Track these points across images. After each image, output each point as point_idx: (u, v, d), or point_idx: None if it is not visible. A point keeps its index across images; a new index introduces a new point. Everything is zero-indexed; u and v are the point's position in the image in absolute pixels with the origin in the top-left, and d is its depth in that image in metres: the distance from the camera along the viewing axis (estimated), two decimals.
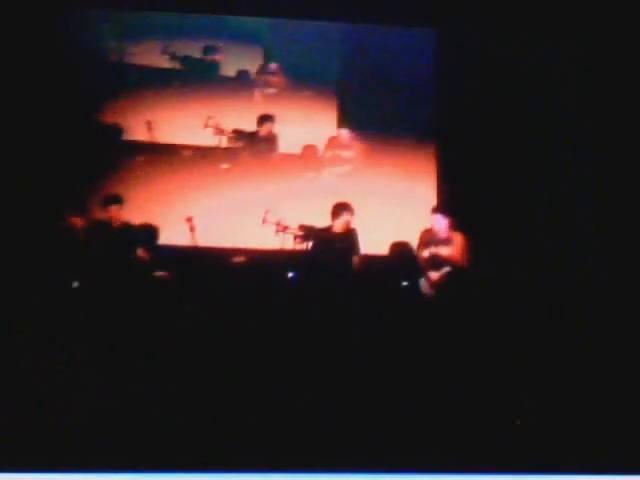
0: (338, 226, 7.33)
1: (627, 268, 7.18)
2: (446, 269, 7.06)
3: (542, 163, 8.14)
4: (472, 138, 8.34)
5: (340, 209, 7.35)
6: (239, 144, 8.62)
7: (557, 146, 8.16)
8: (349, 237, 7.35)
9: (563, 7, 8.15)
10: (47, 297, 6.03)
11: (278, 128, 8.63)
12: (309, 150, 8.76)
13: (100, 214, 7.26)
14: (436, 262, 7.15)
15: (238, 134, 8.61)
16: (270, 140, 8.63)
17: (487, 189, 8.10)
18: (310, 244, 7.44)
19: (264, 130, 8.58)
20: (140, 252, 6.96)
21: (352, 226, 7.40)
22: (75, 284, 6.50)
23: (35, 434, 4.84)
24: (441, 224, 7.30)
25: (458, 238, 7.24)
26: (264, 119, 8.59)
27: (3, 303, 5.73)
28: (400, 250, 7.21)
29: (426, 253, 7.26)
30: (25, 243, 6.99)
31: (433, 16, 8.71)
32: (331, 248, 7.23)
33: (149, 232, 7.21)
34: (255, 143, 8.59)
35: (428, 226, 7.52)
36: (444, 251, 7.21)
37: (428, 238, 7.36)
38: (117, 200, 7.33)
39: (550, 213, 7.94)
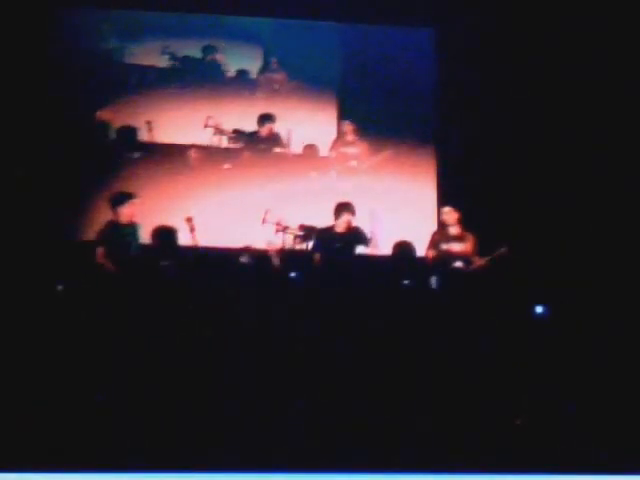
0: (340, 226, 7.28)
1: (628, 268, 7.19)
2: (459, 264, 7.09)
3: (542, 163, 8.15)
4: (472, 138, 8.35)
5: (341, 209, 7.29)
6: (239, 144, 8.62)
7: (557, 146, 8.17)
8: (353, 236, 7.30)
9: (563, 7, 8.16)
10: (47, 298, 6.04)
11: (279, 128, 8.63)
12: (309, 150, 8.76)
13: (111, 213, 6.97)
14: (448, 258, 7.18)
15: (238, 134, 8.61)
16: (272, 139, 8.62)
17: (487, 189, 8.11)
18: (311, 244, 7.43)
19: (265, 130, 8.57)
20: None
21: (353, 225, 7.35)
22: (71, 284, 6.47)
23: (35, 434, 4.85)
24: (452, 218, 7.33)
25: (470, 237, 7.29)
26: (264, 119, 8.58)
27: (6, 302, 5.73)
28: (403, 249, 7.21)
29: (435, 252, 7.27)
30: (26, 246, 7.01)
31: (433, 16, 8.73)
32: (333, 247, 7.20)
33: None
34: (256, 143, 8.58)
35: (438, 227, 7.57)
36: (457, 247, 7.24)
37: (439, 237, 7.39)
38: (130, 197, 7.02)
39: (550, 212, 7.95)
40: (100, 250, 6.72)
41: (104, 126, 8.42)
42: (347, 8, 8.66)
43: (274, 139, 8.62)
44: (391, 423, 5.13)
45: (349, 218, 7.25)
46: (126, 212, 6.89)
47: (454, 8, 8.51)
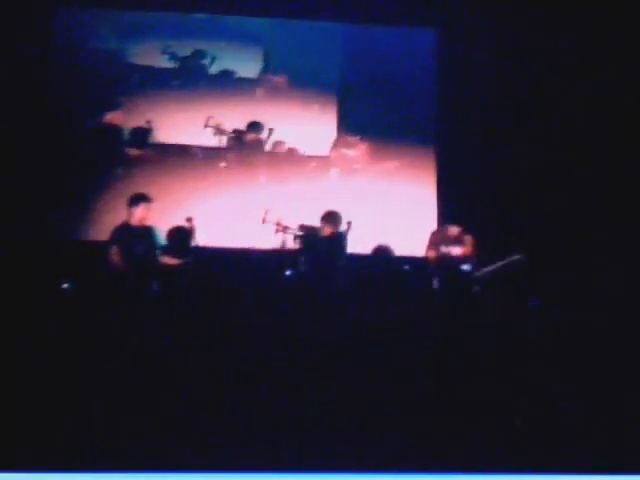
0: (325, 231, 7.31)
1: (628, 268, 7.20)
2: (463, 266, 7.12)
3: (542, 163, 8.15)
4: (473, 139, 8.36)
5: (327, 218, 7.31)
6: (239, 144, 8.62)
7: (557, 146, 8.18)
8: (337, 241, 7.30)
9: (563, 7, 8.16)
10: (45, 299, 6.05)
11: (277, 129, 8.61)
12: (309, 150, 8.76)
13: (126, 214, 7.01)
14: (449, 261, 7.21)
15: (238, 134, 8.61)
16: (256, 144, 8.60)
17: (487, 190, 8.11)
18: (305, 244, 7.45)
19: (251, 136, 8.55)
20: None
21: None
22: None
23: (35, 434, 4.85)
24: (453, 230, 7.41)
25: (469, 239, 7.31)
26: (254, 127, 8.54)
27: (10, 301, 5.74)
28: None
29: (436, 253, 7.31)
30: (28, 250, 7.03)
31: (434, 17, 8.73)
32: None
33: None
34: (249, 145, 8.57)
35: (436, 228, 7.59)
36: (457, 250, 7.27)
37: (438, 238, 7.42)
38: (145, 199, 7.04)
39: (550, 212, 7.95)
40: (114, 250, 6.75)
41: (103, 126, 8.42)
42: (347, 8, 8.66)
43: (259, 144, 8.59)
44: (390, 423, 5.13)
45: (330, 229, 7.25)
46: (139, 214, 6.93)
47: (455, 9, 8.51)
